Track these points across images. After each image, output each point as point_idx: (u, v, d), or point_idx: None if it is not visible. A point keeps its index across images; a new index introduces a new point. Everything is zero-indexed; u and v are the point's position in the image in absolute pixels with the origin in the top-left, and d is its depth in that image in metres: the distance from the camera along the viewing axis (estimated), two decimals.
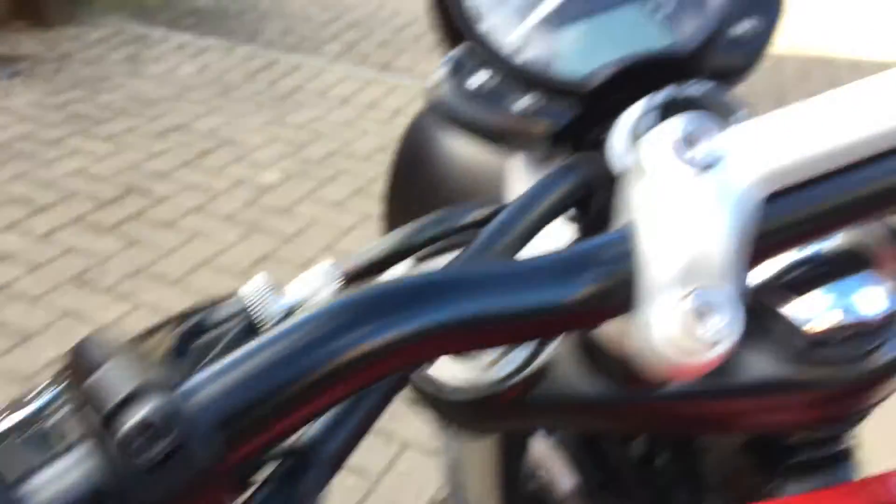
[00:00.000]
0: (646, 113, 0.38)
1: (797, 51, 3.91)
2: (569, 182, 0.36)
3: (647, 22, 0.43)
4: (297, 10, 4.31)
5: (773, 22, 0.42)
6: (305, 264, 1.24)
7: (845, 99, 0.29)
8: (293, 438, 0.35)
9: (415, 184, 0.68)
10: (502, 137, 0.41)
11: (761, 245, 0.28)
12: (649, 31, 0.42)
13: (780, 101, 2.22)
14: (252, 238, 2.41)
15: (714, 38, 0.41)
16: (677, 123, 0.28)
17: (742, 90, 0.42)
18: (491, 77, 0.40)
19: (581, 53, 0.42)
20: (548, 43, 0.42)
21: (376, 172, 2.72)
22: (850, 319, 0.38)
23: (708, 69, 0.41)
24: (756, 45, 0.41)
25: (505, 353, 0.35)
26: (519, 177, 0.44)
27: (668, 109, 0.37)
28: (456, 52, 0.40)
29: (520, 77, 0.40)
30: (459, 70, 0.40)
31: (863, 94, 0.29)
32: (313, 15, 4.28)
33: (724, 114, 0.37)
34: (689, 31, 0.42)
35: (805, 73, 3.87)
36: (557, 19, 0.42)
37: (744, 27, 0.41)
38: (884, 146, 0.28)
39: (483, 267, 0.29)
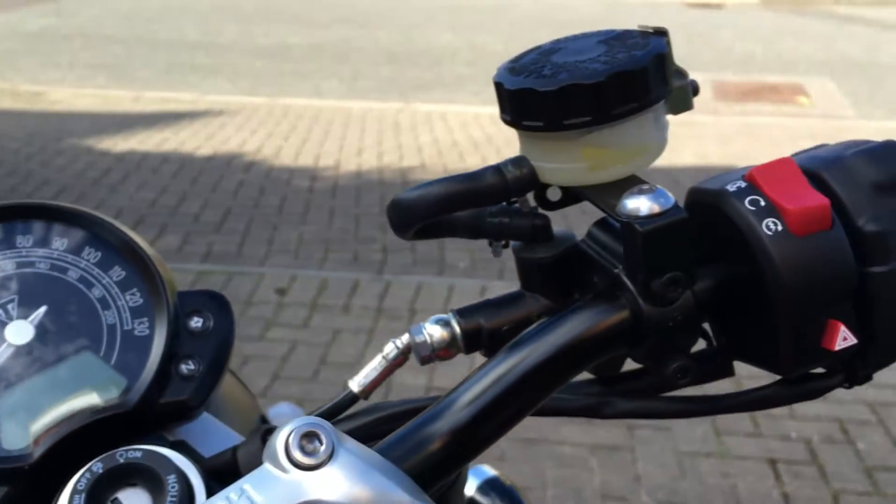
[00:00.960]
0: (77, 492, 0.37)
1: None
2: None
3: (95, 371, 0.44)
4: None
5: (217, 364, 0.45)
6: None
7: None
8: None
9: None
10: None
11: None
12: (97, 381, 0.43)
13: None
14: None
15: (160, 381, 0.43)
16: None
17: None
18: None
19: (22, 422, 0.42)
20: None
21: None
22: None
23: (157, 411, 0.43)
24: (202, 383, 0.44)
25: None
26: None
27: (100, 486, 0.37)
28: None
29: None
30: None
31: None
32: None
33: (164, 470, 0.38)
34: (135, 374, 0.43)
35: None
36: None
37: (188, 366, 0.44)
38: None
39: None
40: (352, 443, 0.34)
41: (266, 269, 3.60)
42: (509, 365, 0.37)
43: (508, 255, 0.49)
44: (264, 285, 3.41)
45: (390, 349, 0.45)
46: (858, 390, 2.68)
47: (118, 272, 0.48)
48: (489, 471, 0.67)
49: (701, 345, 0.44)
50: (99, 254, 0.49)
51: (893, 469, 2.35)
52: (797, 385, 0.41)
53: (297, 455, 0.33)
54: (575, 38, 0.43)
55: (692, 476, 2.32)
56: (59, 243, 0.49)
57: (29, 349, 0.45)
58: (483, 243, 0.46)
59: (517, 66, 0.42)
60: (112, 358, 0.46)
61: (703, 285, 0.39)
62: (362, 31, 9.13)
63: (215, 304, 0.49)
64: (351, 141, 5.47)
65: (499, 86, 0.41)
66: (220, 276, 3.49)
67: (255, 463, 0.44)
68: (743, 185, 0.38)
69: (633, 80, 0.38)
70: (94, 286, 0.48)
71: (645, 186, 0.38)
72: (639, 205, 0.37)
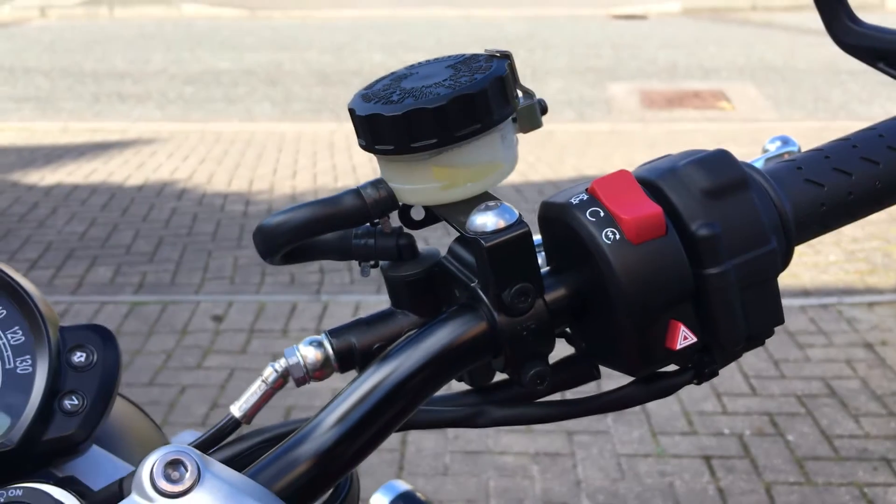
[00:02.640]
0: None
1: None
2: None
3: None
4: None
5: (102, 398, 0.46)
6: None
7: None
8: None
9: None
10: None
11: None
12: None
13: None
14: None
15: (43, 418, 0.44)
16: None
17: None
18: None
19: None
20: None
21: None
22: None
23: (42, 449, 0.44)
24: (86, 418, 0.45)
25: None
26: None
27: None
28: None
29: None
30: None
31: None
32: None
33: None
34: (19, 412, 0.44)
35: None
36: None
37: (71, 402, 0.45)
38: None
39: None
40: (219, 467, 0.35)
41: (201, 296, 3.56)
42: (375, 381, 0.39)
43: None
44: (200, 313, 3.38)
45: (269, 373, 0.46)
46: (787, 384, 2.78)
47: None
48: (402, 485, 0.69)
49: (570, 350, 0.47)
50: None
51: (822, 459, 2.44)
52: (650, 384, 0.44)
53: (162, 483, 0.34)
54: (428, 63, 0.46)
55: (631, 477, 2.37)
56: None
57: None
58: None
59: (369, 92, 0.44)
60: None
61: (555, 294, 0.41)
62: (292, 53, 9.11)
63: (99, 337, 0.49)
64: (285, 163, 5.45)
65: (352, 112, 0.43)
66: (154, 306, 3.44)
67: None
68: (585, 197, 0.41)
69: (473, 102, 0.40)
70: None
71: (491, 203, 0.40)
72: (485, 221, 0.39)
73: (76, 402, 0.47)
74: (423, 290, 0.45)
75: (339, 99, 7.35)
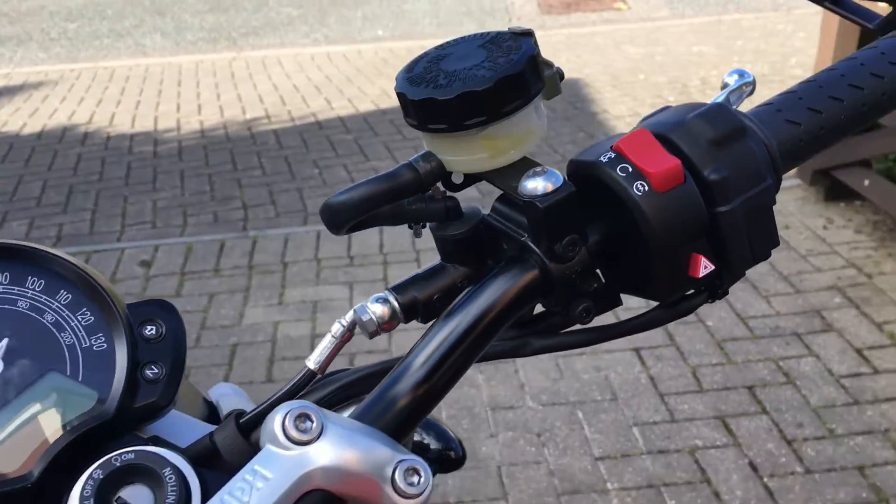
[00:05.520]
0: (85, 498, 0.44)
1: None
2: None
3: (66, 388, 0.50)
4: None
5: (177, 365, 0.52)
6: None
7: None
8: None
9: None
10: None
11: None
12: (70, 397, 0.49)
13: None
14: None
15: (130, 388, 0.50)
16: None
17: None
18: None
19: (10, 445, 0.48)
20: None
21: None
22: None
23: (132, 416, 0.49)
24: (167, 384, 0.51)
25: None
26: None
27: (108, 484, 0.45)
28: None
29: None
30: None
31: None
32: None
33: (158, 465, 0.45)
34: (103, 385, 0.49)
35: None
36: None
37: (152, 371, 0.51)
38: None
39: None
40: (335, 416, 0.42)
41: (125, 243, 3.51)
42: (451, 327, 0.45)
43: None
44: (126, 260, 3.34)
45: (337, 328, 0.51)
46: None
47: (65, 296, 0.53)
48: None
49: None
50: (42, 282, 0.53)
51: (740, 339, 2.65)
52: (673, 307, 0.52)
53: (295, 434, 0.40)
54: (456, 42, 0.51)
55: (569, 375, 2.53)
56: (2, 277, 0.53)
57: (2, 379, 0.50)
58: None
59: (413, 76, 0.48)
60: (79, 374, 0.51)
61: (592, 240, 0.48)
62: None
63: (163, 310, 0.54)
64: (188, 98, 5.30)
65: (402, 96, 0.48)
66: (77, 257, 3.37)
67: (233, 444, 0.51)
68: (612, 155, 0.47)
69: (516, 81, 0.46)
70: (46, 312, 0.52)
71: (538, 169, 0.47)
72: (536, 185, 0.45)
73: (156, 370, 0.52)
74: (469, 245, 0.52)
75: (234, 24, 7.12)
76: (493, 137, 0.48)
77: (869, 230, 3.22)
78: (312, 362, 0.51)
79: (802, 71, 5.39)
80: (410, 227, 0.53)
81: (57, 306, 0.53)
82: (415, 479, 0.40)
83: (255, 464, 0.40)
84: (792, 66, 5.53)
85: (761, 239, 0.49)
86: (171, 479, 0.47)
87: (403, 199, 0.50)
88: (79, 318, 0.53)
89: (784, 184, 3.58)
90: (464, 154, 0.49)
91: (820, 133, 0.53)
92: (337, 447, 0.40)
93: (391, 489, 0.40)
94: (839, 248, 3.10)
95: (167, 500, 0.46)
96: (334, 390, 0.53)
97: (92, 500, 0.44)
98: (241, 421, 0.51)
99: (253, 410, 0.51)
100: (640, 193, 0.46)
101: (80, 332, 0.52)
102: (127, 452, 0.47)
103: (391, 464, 0.40)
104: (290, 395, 0.52)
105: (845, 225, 3.27)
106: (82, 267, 0.54)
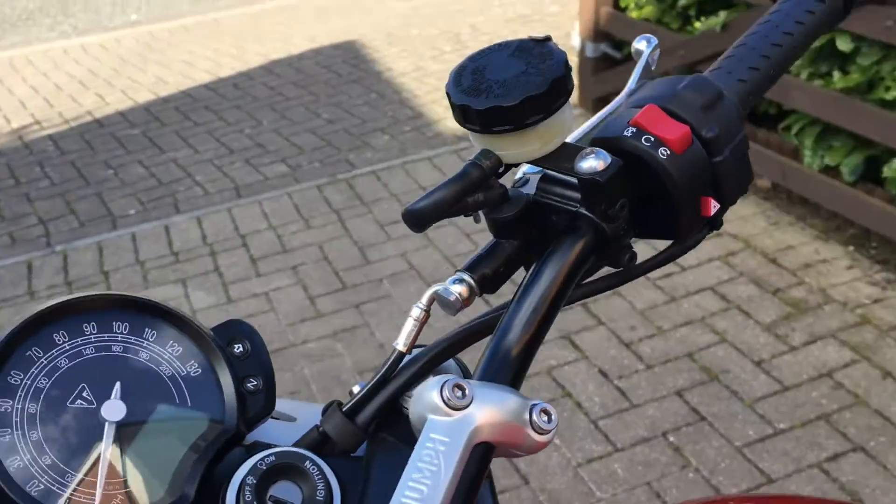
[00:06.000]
0: (247, 486, 0.52)
1: None
2: None
3: (180, 415, 0.56)
4: None
5: (269, 374, 0.60)
6: None
7: None
8: None
9: None
10: None
11: None
12: (187, 423, 0.56)
13: None
14: None
15: (241, 401, 0.57)
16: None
17: None
18: None
19: (156, 476, 0.54)
20: None
21: None
22: None
23: (246, 425, 0.57)
24: (268, 392, 0.59)
25: None
26: None
27: (265, 478, 0.53)
28: None
29: None
30: None
31: None
32: None
33: (299, 461, 0.54)
34: (212, 405, 0.57)
35: None
36: None
37: (252, 383, 0.59)
38: None
39: None
40: (476, 382, 0.49)
41: None
42: (539, 288, 0.54)
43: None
44: None
45: (417, 312, 0.58)
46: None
47: (150, 333, 0.57)
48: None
49: None
50: (127, 324, 0.57)
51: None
52: (685, 242, 0.62)
53: (455, 401, 0.47)
54: (487, 53, 0.58)
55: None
56: (91, 328, 0.56)
57: (125, 420, 0.54)
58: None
59: (467, 88, 0.56)
60: (187, 401, 0.56)
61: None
62: None
63: (243, 329, 0.60)
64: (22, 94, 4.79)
65: (465, 108, 0.55)
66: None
67: (343, 430, 0.58)
68: (633, 130, 0.57)
69: (562, 83, 0.55)
70: (140, 351, 0.56)
71: (587, 150, 0.56)
72: (592, 164, 0.55)
73: (255, 382, 0.58)
74: (520, 222, 0.60)
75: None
76: (545, 130, 0.57)
77: None
78: (402, 344, 0.58)
79: (558, 7, 5.77)
80: (466, 215, 0.60)
81: (147, 344, 0.57)
82: (545, 417, 0.49)
83: (428, 432, 0.47)
84: (548, 5, 5.91)
85: (744, 175, 0.62)
86: (313, 469, 0.54)
87: (474, 194, 0.57)
88: (169, 350, 0.57)
89: None
90: (520, 147, 0.57)
91: (761, 85, 0.67)
92: (487, 406, 0.48)
93: (531, 429, 0.48)
94: None
95: (318, 487, 0.53)
96: (423, 365, 0.60)
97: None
98: (344, 409, 0.58)
99: (354, 398, 0.58)
100: (664, 157, 0.57)
101: (175, 363, 0.57)
102: (268, 455, 0.54)
103: (526, 409, 0.49)
104: (386, 375, 0.59)
105: None
106: (162, 303, 0.58)
